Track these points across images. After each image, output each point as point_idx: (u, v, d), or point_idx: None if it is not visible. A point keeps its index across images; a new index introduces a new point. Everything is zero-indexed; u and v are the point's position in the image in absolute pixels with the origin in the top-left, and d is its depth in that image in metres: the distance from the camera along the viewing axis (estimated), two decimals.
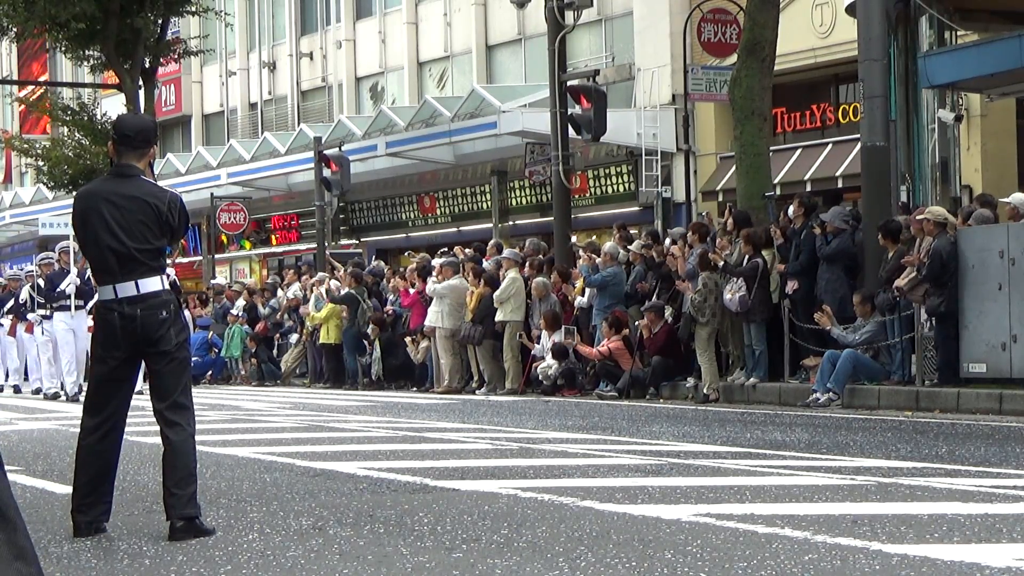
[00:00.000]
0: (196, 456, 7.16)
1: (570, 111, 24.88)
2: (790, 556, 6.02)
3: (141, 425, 15.30)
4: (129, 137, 7.36)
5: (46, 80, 50.55)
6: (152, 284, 7.25)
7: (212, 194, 37.88)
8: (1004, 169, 25.18)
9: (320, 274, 27.29)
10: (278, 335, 28.37)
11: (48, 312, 22.46)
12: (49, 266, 22.67)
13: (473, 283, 22.05)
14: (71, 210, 7.61)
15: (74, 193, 36.10)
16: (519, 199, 34.62)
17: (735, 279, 17.86)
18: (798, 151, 28.67)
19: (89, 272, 22.28)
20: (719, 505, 7.63)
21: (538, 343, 21.05)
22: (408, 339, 23.66)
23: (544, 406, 18.15)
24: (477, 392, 21.67)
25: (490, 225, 34.43)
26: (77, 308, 21.91)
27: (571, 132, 25.01)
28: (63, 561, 6.41)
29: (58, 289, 21.93)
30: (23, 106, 49.15)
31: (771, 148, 22.33)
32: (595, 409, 17.34)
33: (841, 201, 24.76)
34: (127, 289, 7.22)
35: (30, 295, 23.97)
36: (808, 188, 26.99)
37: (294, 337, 27.57)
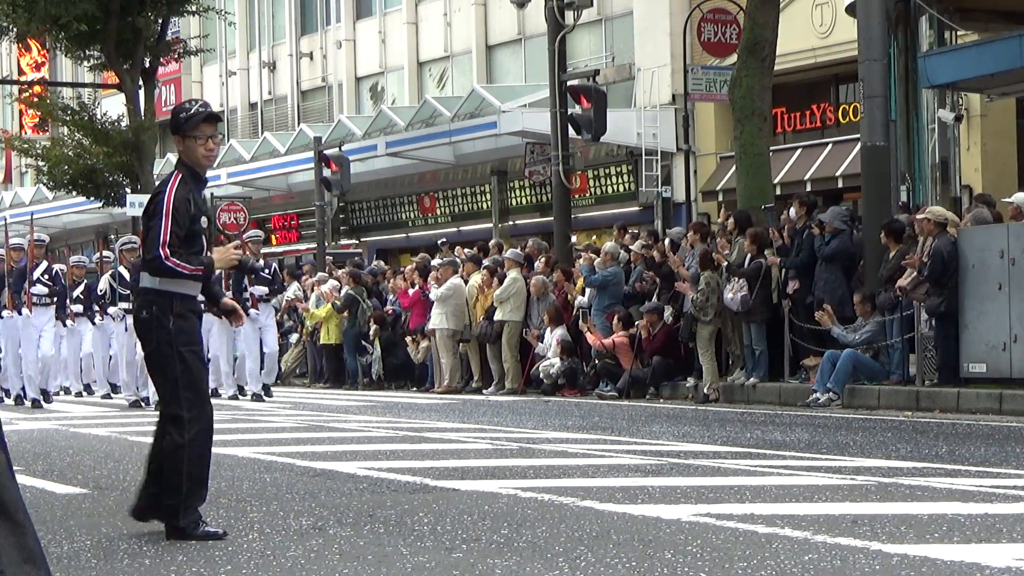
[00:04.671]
0: (191, 467, 7.05)
1: (570, 111, 24.90)
2: (790, 556, 6.02)
3: (141, 425, 15.31)
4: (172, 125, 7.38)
5: (46, 80, 50.50)
6: (143, 279, 7.30)
7: (212, 194, 37.80)
8: (1004, 169, 25.18)
9: (320, 274, 27.30)
10: (278, 335, 28.34)
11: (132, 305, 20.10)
12: (134, 252, 19.53)
13: (487, 281, 22.07)
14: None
15: (74, 193, 35.43)
16: (519, 199, 34.62)
17: (736, 279, 17.86)
18: (798, 151, 28.67)
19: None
20: (719, 505, 7.62)
21: (542, 342, 21.06)
22: (408, 339, 23.67)
23: (544, 406, 18.15)
24: (484, 391, 21.68)
25: (490, 225, 34.44)
26: None
27: (571, 132, 25.03)
28: (63, 561, 6.40)
29: None
30: (24, 105, 49.06)
31: (771, 148, 22.33)
32: (595, 409, 17.34)
33: (841, 201, 24.77)
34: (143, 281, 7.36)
35: (110, 286, 20.90)
36: (808, 188, 26.99)
37: (294, 337, 27.56)
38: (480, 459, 10.65)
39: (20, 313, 20.12)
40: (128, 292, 19.39)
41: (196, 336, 7.33)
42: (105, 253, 23.65)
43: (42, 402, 20.04)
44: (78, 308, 22.32)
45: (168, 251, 7.10)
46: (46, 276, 20.46)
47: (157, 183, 7.57)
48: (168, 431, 7.07)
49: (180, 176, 7.27)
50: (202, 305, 7.46)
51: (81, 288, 22.53)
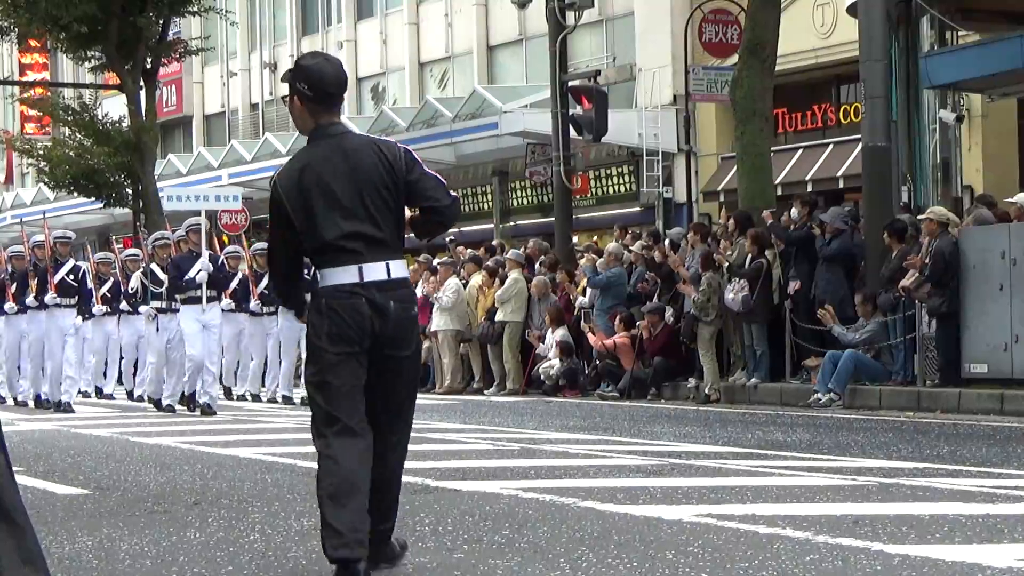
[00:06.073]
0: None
1: (571, 111, 24.89)
2: (791, 556, 6.02)
3: (142, 426, 15.32)
4: (332, 95, 6.04)
5: (47, 80, 50.52)
6: (397, 268, 5.98)
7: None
8: (1005, 169, 25.17)
9: None
10: None
11: (166, 304, 18.29)
12: (167, 248, 18.49)
13: (487, 282, 22.06)
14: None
15: (75, 193, 34.84)
16: (520, 199, 34.63)
17: (737, 279, 17.86)
18: (799, 151, 28.66)
19: (223, 258, 19.04)
20: (720, 505, 7.62)
21: (543, 342, 21.05)
22: None
23: (545, 406, 18.16)
24: (485, 392, 21.67)
25: (491, 225, 34.43)
26: (209, 300, 17.61)
27: (572, 132, 25.02)
28: (64, 562, 6.41)
29: (186, 277, 17.47)
30: (25, 105, 49.11)
31: (772, 149, 22.33)
32: (596, 409, 17.35)
33: (842, 202, 24.76)
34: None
35: (142, 283, 19.86)
36: (809, 188, 26.99)
37: None
38: (481, 460, 10.65)
39: (45, 307, 19.33)
40: (161, 290, 18.25)
41: None
42: (134, 251, 22.88)
43: (72, 406, 18.98)
44: (103, 308, 21.65)
45: None
46: (71, 276, 19.58)
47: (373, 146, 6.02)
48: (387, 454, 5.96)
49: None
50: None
51: (109, 284, 21.91)
